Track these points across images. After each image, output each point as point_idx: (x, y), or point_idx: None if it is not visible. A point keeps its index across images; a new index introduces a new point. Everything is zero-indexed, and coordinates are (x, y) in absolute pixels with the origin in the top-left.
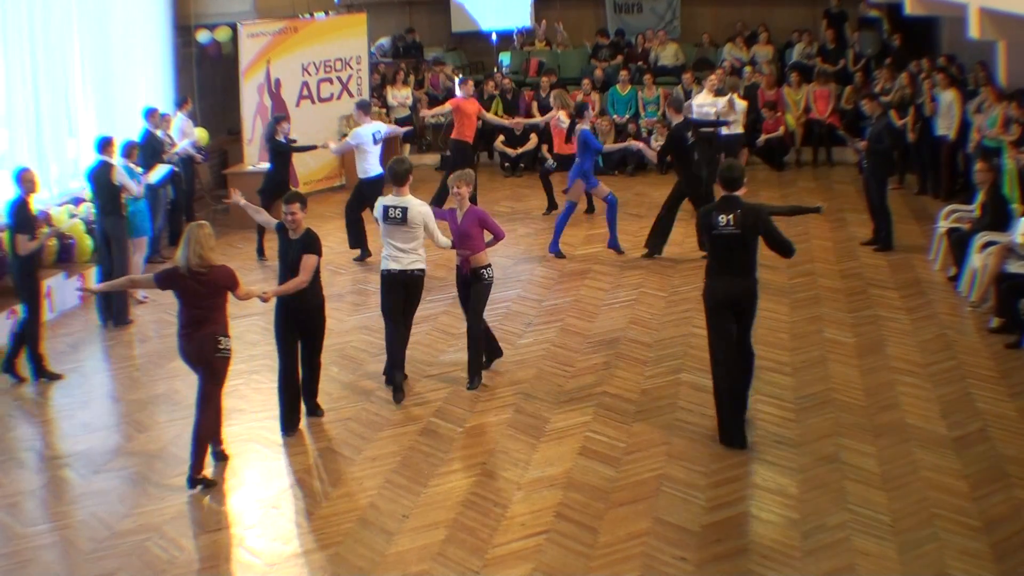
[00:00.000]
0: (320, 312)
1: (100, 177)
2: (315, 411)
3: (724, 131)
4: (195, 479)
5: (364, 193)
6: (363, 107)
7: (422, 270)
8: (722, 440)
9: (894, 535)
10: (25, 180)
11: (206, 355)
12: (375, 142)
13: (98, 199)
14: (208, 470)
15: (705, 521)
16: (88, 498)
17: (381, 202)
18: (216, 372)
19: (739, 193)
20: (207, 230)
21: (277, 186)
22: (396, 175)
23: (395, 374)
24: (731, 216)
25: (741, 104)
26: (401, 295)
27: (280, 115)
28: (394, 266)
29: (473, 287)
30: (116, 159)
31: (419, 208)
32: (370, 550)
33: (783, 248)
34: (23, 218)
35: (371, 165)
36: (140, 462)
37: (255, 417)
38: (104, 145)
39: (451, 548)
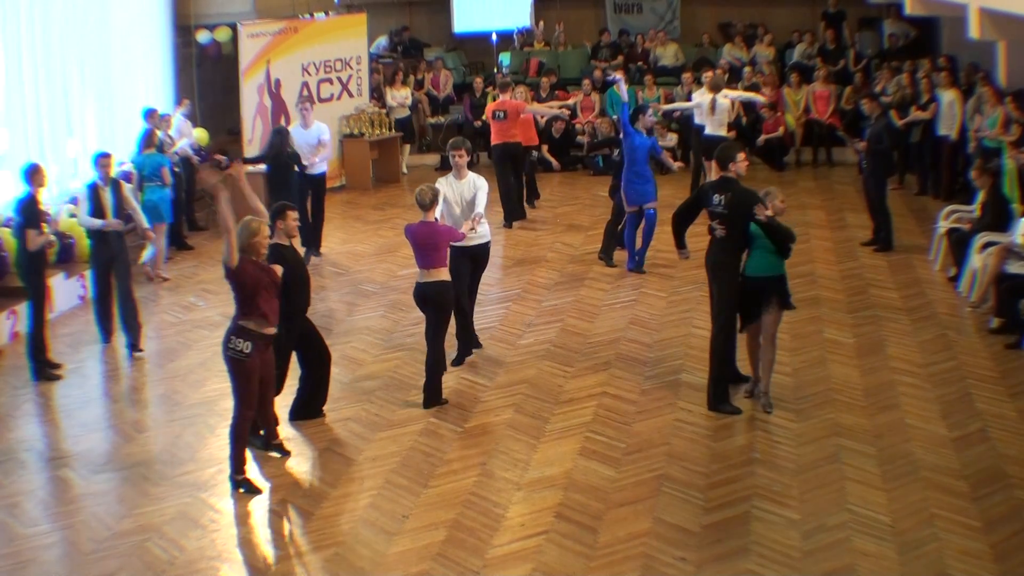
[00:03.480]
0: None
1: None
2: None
3: (707, 131)
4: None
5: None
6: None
7: None
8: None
9: (894, 535)
10: (34, 175)
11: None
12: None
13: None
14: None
15: (705, 521)
16: (88, 498)
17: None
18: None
19: (732, 174)
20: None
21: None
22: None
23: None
24: (723, 197)
25: (723, 104)
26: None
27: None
28: None
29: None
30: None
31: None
32: (370, 550)
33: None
34: (32, 213)
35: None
36: (140, 462)
37: None
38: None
39: (451, 548)
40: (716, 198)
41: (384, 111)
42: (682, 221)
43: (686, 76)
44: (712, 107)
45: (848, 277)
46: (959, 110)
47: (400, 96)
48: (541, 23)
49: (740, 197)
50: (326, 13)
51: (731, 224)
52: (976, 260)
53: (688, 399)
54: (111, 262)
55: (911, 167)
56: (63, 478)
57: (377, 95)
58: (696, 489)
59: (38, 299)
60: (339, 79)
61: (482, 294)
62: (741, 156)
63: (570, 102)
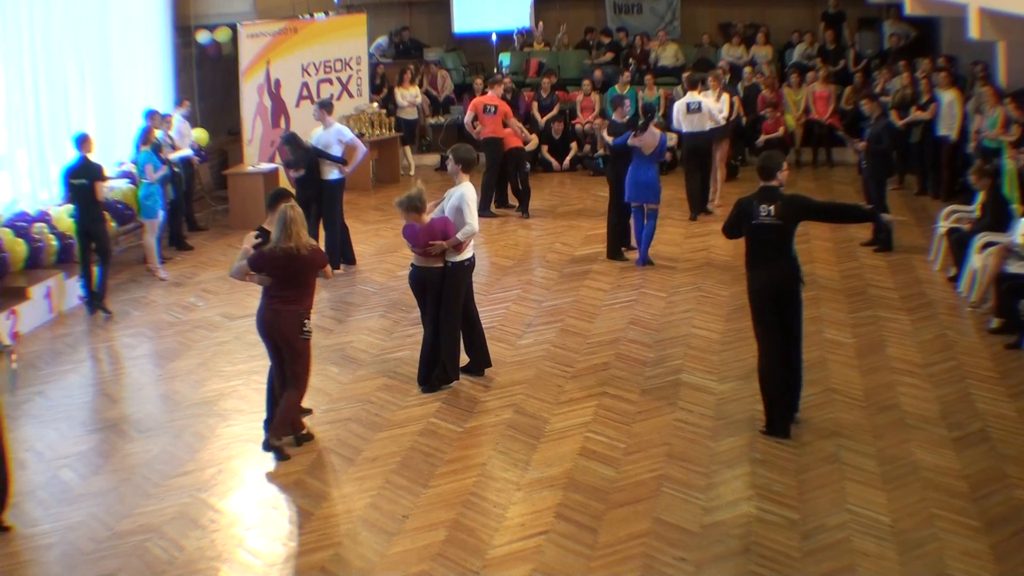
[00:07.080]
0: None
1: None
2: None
3: (686, 130)
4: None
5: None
6: (325, 107)
7: None
8: (769, 430)
9: (894, 535)
10: (84, 142)
11: (289, 333)
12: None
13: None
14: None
15: (705, 522)
16: (88, 498)
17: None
18: (298, 352)
19: (776, 183)
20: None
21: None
22: (471, 162)
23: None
24: (772, 207)
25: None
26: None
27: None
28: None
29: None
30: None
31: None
32: (370, 551)
33: (845, 215)
34: (96, 169)
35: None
36: (140, 462)
37: (255, 417)
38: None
39: (451, 549)
40: (764, 208)
41: (384, 111)
42: (734, 238)
43: (686, 76)
44: (687, 108)
45: (848, 277)
46: (959, 110)
47: (410, 95)
48: (541, 23)
49: (789, 202)
50: (326, 13)
51: (784, 232)
52: (976, 260)
53: (688, 399)
54: None
55: (911, 167)
56: (63, 478)
57: (379, 95)
58: (696, 489)
59: (108, 244)
60: (339, 79)
61: (482, 295)
62: (785, 165)
63: (531, 138)
